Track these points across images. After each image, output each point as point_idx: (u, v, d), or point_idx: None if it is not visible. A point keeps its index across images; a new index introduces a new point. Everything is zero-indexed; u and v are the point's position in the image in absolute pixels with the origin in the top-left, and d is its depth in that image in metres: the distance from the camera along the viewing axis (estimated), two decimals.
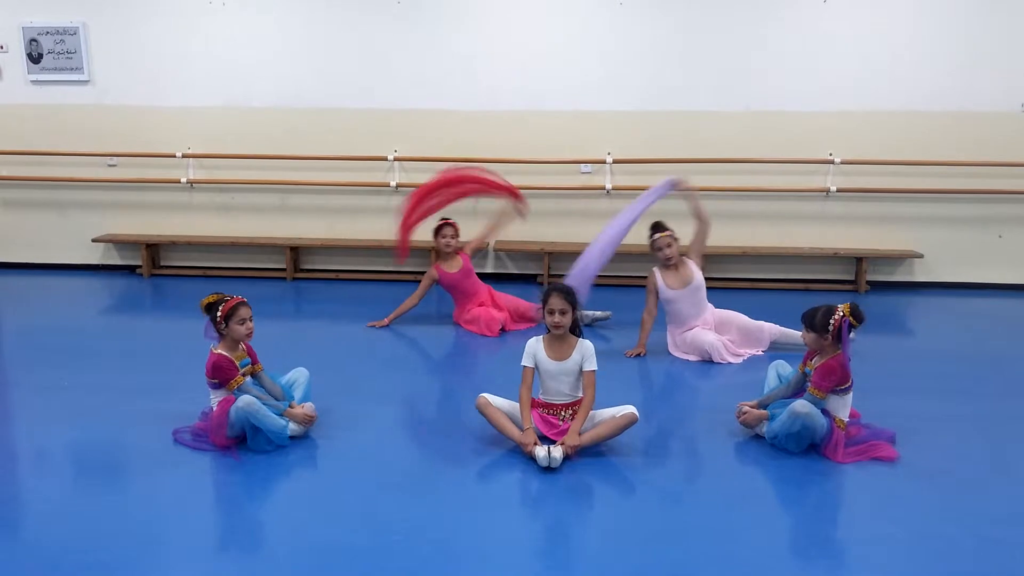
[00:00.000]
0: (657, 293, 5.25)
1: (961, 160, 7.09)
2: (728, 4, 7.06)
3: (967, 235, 7.34)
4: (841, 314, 3.62)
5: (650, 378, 4.96)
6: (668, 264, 5.24)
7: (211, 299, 3.73)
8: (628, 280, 7.33)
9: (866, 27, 7.01)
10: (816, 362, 3.72)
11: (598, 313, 5.96)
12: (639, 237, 7.34)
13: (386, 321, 5.88)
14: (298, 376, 4.03)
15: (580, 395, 3.73)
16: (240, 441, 3.66)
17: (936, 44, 7.02)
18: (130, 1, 7.38)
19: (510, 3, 7.19)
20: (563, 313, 3.67)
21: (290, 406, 3.81)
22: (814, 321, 3.69)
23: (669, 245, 5.21)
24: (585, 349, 3.72)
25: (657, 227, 5.29)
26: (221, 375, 3.68)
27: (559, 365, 3.72)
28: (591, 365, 3.70)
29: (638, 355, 5.21)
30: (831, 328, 3.62)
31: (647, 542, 2.91)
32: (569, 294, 3.72)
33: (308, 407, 3.84)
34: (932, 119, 7.12)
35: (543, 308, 3.74)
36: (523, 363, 3.75)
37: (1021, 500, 3.27)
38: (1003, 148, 7.08)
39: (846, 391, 3.67)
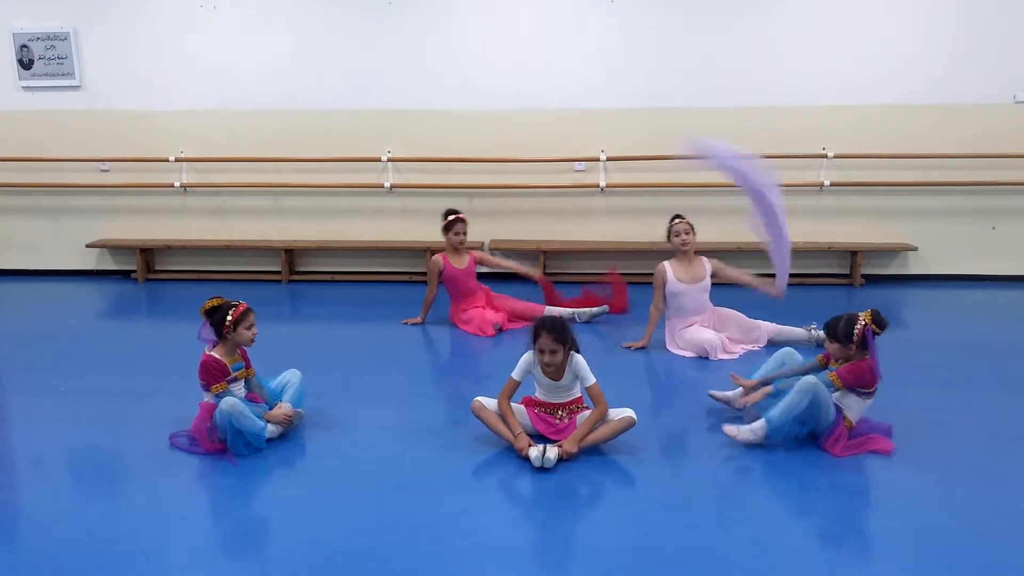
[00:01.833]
0: (664, 287, 5.26)
1: (954, 153, 7.11)
2: (720, 1, 7.07)
3: (961, 227, 7.36)
4: (863, 322, 3.60)
5: (647, 373, 4.96)
6: (683, 249, 5.25)
7: (215, 303, 3.74)
8: (625, 277, 7.33)
9: (858, 21, 7.03)
10: (842, 363, 3.70)
11: (594, 309, 5.97)
12: (634, 235, 7.40)
13: (420, 319, 5.95)
14: (290, 378, 4.02)
15: (575, 394, 3.72)
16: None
17: (928, 37, 7.03)
18: (120, 6, 7.37)
19: (503, 3, 7.19)
20: (553, 353, 3.56)
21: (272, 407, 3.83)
22: (837, 331, 3.65)
23: (687, 232, 5.25)
24: (577, 366, 3.63)
25: (677, 216, 5.35)
26: (209, 377, 3.68)
27: (553, 383, 3.70)
28: (589, 379, 3.62)
29: (640, 348, 5.26)
30: (855, 337, 3.61)
31: (644, 538, 2.92)
32: (560, 331, 3.56)
33: (285, 407, 3.82)
34: (925, 112, 7.14)
35: (534, 345, 3.61)
36: (513, 375, 3.67)
37: (1018, 491, 3.27)
38: (996, 140, 7.10)
39: (868, 395, 3.65)
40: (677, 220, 5.31)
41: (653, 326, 5.32)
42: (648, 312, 5.35)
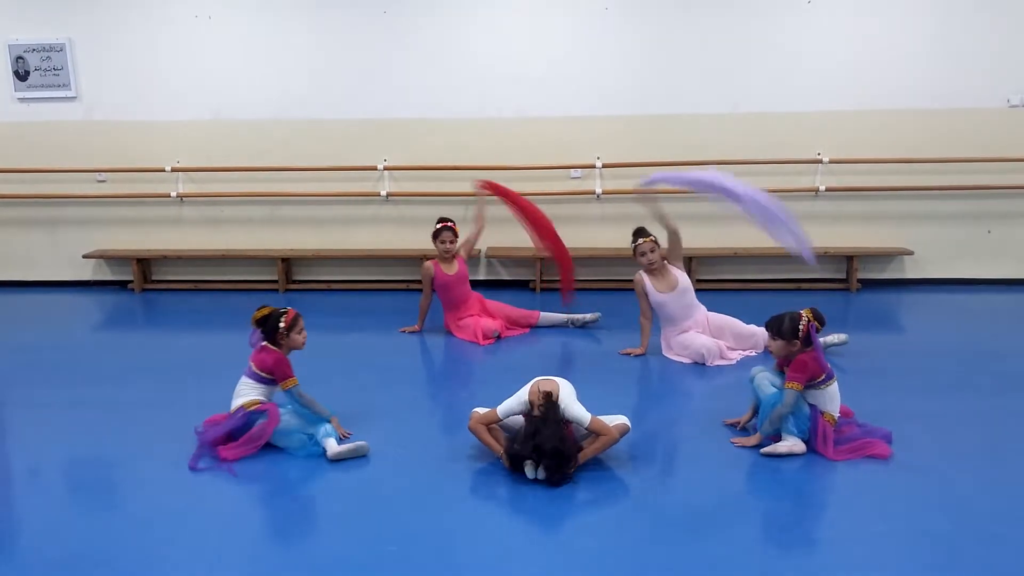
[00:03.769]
0: (647, 296, 5.28)
1: (949, 157, 7.12)
2: (713, 7, 7.09)
3: (956, 231, 7.38)
4: (807, 319, 3.71)
5: (642, 380, 4.96)
6: (651, 269, 5.29)
7: (265, 312, 3.87)
8: (616, 284, 7.35)
9: (851, 26, 7.06)
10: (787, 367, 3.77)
11: (587, 316, 5.98)
12: (627, 241, 7.38)
13: (417, 327, 5.95)
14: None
15: None
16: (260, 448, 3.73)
17: (922, 41, 7.06)
18: (116, 17, 7.38)
19: (496, 11, 7.21)
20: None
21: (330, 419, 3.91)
22: (782, 329, 3.74)
23: (652, 250, 5.27)
24: (571, 416, 3.51)
25: (639, 233, 5.35)
26: (286, 370, 3.83)
27: None
28: (586, 419, 3.50)
29: (638, 355, 5.27)
30: (800, 334, 3.69)
31: (640, 544, 2.92)
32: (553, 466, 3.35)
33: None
34: (919, 116, 7.16)
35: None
36: (499, 411, 3.59)
37: (1015, 495, 3.27)
38: (990, 144, 7.12)
39: (823, 383, 3.70)
40: (641, 240, 5.29)
41: (646, 334, 5.32)
42: (639, 322, 5.35)
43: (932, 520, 3.07)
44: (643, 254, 5.28)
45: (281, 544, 3.01)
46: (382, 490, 3.39)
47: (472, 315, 5.85)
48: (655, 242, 5.29)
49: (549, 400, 3.48)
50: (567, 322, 6.00)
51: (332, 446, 3.67)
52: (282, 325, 3.84)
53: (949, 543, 2.91)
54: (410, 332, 5.94)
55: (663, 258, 5.35)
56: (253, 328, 3.90)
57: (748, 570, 2.75)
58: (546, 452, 3.30)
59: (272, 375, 3.84)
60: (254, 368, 3.86)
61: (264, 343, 3.89)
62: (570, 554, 2.90)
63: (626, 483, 3.44)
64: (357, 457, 3.68)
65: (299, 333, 3.93)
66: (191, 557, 2.90)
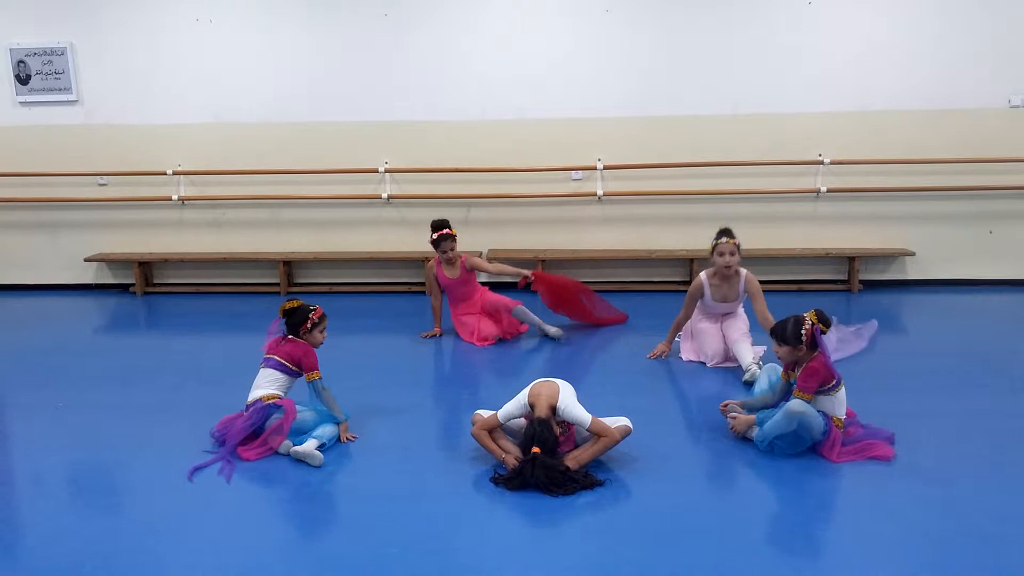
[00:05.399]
0: (698, 300, 5.17)
1: (950, 157, 7.12)
2: (713, 8, 7.10)
3: (958, 232, 7.37)
4: (810, 322, 3.69)
5: (645, 381, 4.94)
6: (725, 273, 5.04)
7: (294, 304, 4.01)
8: (617, 286, 7.34)
9: (851, 27, 7.05)
10: (798, 370, 3.75)
11: (552, 330, 5.72)
12: (631, 243, 7.40)
13: (437, 330, 5.91)
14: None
15: None
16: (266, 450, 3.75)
17: (922, 42, 7.06)
18: (117, 21, 7.39)
19: (497, 14, 7.22)
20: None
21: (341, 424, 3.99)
22: (785, 334, 3.73)
23: (732, 253, 4.97)
24: (565, 416, 3.53)
25: (725, 232, 5.05)
26: (314, 361, 3.97)
27: None
28: (586, 421, 3.51)
29: (661, 354, 5.26)
30: (804, 338, 3.67)
31: (643, 547, 2.91)
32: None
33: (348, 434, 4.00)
34: (920, 117, 7.16)
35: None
36: (499, 415, 3.60)
37: (1017, 495, 3.27)
38: (992, 144, 7.11)
39: (833, 389, 3.68)
40: (724, 239, 4.98)
41: (675, 332, 5.27)
42: (676, 318, 5.27)
43: (933, 520, 3.07)
44: (722, 254, 4.96)
45: (283, 546, 3.00)
46: (383, 492, 3.39)
47: (474, 314, 5.83)
48: (737, 247, 5.00)
49: (543, 428, 3.43)
50: (538, 327, 5.80)
51: (306, 444, 3.67)
52: (311, 318, 4.00)
53: (950, 543, 2.90)
54: (430, 336, 5.90)
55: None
56: (278, 317, 4.01)
57: (749, 571, 2.75)
58: (540, 485, 3.31)
59: (299, 366, 3.94)
60: (279, 359, 3.94)
61: (288, 336, 3.98)
62: (572, 556, 2.89)
63: (627, 485, 3.43)
64: (310, 464, 3.64)
65: (321, 332, 4.10)
66: (193, 559, 2.90)
